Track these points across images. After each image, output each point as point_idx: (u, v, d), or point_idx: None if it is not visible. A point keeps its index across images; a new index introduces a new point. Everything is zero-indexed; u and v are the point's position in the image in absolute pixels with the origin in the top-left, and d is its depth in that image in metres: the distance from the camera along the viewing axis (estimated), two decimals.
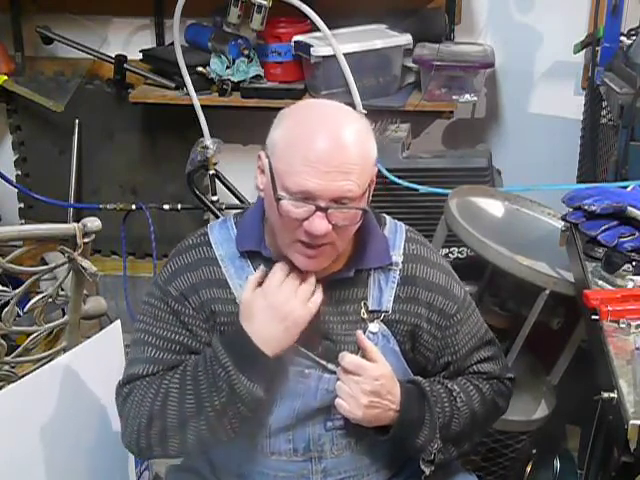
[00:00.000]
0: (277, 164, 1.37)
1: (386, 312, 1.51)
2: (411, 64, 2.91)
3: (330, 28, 2.71)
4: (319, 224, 1.35)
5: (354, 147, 1.36)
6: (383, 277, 1.52)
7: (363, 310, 1.50)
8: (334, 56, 2.72)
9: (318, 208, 1.35)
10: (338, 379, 1.47)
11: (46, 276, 1.95)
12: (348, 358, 1.46)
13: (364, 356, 1.48)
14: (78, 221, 1.84)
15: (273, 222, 1.43)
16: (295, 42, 2.85)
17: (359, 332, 1.48)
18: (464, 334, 1.57)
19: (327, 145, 1.34)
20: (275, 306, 1.41)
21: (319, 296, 1.44)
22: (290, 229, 1.39)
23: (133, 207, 3.09)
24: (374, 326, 1.51)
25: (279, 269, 1.44)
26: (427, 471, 1.52)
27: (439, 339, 1.55)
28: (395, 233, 1.56)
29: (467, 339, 1.57)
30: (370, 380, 1.45)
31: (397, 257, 1.53)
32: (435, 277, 1.55)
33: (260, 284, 1.44)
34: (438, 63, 2.76)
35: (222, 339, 1.45)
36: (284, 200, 1.36)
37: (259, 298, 1.42)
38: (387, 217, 1.59)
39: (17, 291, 1.86)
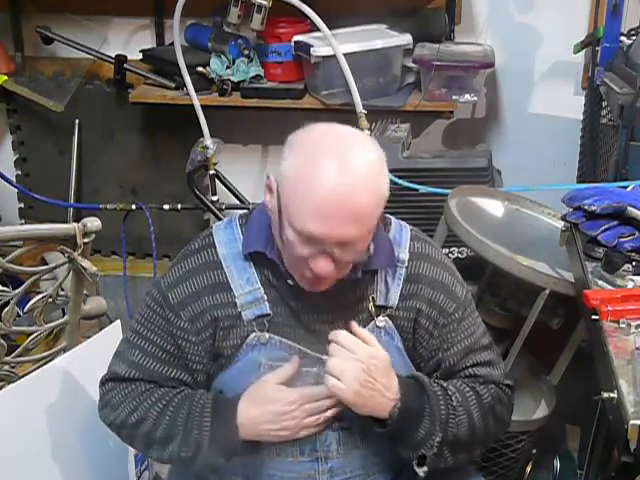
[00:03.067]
0: (285, 200, 1.35)
1: (392, 308, 1.52)
2: (411, 64, 2.91)
3: (330, 28, 2.71)
4: (322, 265, 1.36)
5: (363, 194, 1.32)
6: (390, 273, 1.52)
7: (371, 305, 1.51)
8: (334, 56, 2.72)
9: (322, 251, 1.35)
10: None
11: (46, 276, 1.95)
12: (343, 334, 1.43)
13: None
14: (78, 221, 1.84)
15: (280, 247, 1.43)
16: (295, 42, 2.85)
17: (353, 322, 1.46)
18: (459, 332, 1.55)
19: (335, 192, 1.30)
20: (281, 417, 1.45)
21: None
22: (295, 261, 1.40)
23: (133, 207, 3.09)
24: (380, 320, 1.51)
25: (316, 394, 1.46)
26: (421, 473, 1.48)
27: (435, 337, 1.54)
28: (401, 232, 1.57)
29: (461, 337, 1.55)
30: (364, 356, 1.41)
31: (403, 254, 1.53)
32: (439, 275, 1.55)
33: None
34: (438, 63, 2.76)
35: (215, 403, 1.47)
36: (290, 238, 1.36)
37: (279, 396, 1.46)
38: (392, 217, 1.59)
39: (17, 291, 1.86)
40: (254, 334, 1.49)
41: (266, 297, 1.49)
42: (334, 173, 1.31)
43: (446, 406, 1.48)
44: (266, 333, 1.49)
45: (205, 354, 1.51)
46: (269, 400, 1.46)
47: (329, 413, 1.48)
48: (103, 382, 1.59)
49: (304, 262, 1.38)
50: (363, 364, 1.41)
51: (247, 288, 1.49)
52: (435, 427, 1.46)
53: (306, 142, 1.37)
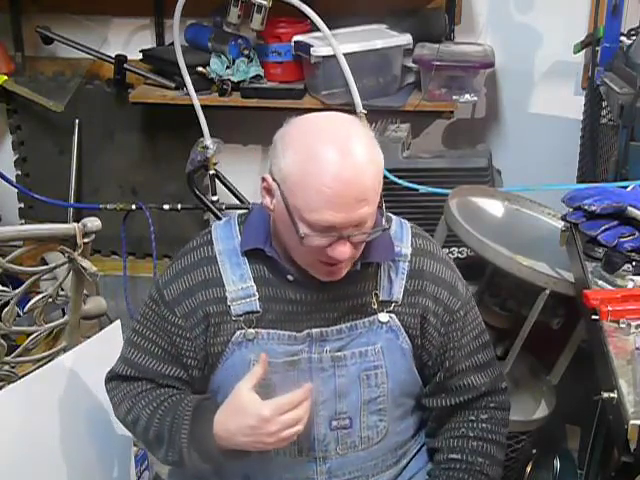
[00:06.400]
0: (292, 199, 1.36)
1: (396, 302, 1.52)
2: (411, 64, 2.91)
3: (330, 28, 2.71)
4: (342, 251, 1.37)
5: (367, 171, 1.35)
6: (393, 268, 1.53)
7: (374, 300, 1.51)
8: (334, 56, 2.72)
9: (340, 237, 1.36)
10: None
11: (46, 276, 1.95)
12: None
13: None
14: (78, 221, 1.84)
15: (291, 247, 1.43)
16: (295, 42, 2.85)
17: None
18: (466, 333, 1.57)
19: (341, 178, 1.32)
20: (256, 431, 1.41)
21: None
22: (312, 254, 1.40)
23: (133, 207, 3.09)
24: (384, 316, 1.51)
25: (292, 401, 1.41)
26: None
27: (442, 334, 1.55)
28: (401, 228, 1.58)
29: (469, 339, 1.58)
30: None
31: (405, 249, 1.54)
32: (441, 272, 1.56)
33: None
34: (438, 63, 2.76)
35: (195, 411, 1.48)
36: (306, 232, 1.36)
37: (252, 410, 1.41)
38: (391, 215, 1.60)
39: (17, 291, 1.86)
40: (240, 331, 1.49)
41: (257, 295, 1.49)
42: (336, 160, 1.33)
43: None
44: (252, 329, 1.49)
45: (199, 351, 1.52)
46: (243, 413, 1.42)
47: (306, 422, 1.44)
48: (106, 381, 1.63)
49: (321, 252, 1.38)
50: None
51: (239, 284, 1.50)
52: None
53: (299, 138, 1.38)
